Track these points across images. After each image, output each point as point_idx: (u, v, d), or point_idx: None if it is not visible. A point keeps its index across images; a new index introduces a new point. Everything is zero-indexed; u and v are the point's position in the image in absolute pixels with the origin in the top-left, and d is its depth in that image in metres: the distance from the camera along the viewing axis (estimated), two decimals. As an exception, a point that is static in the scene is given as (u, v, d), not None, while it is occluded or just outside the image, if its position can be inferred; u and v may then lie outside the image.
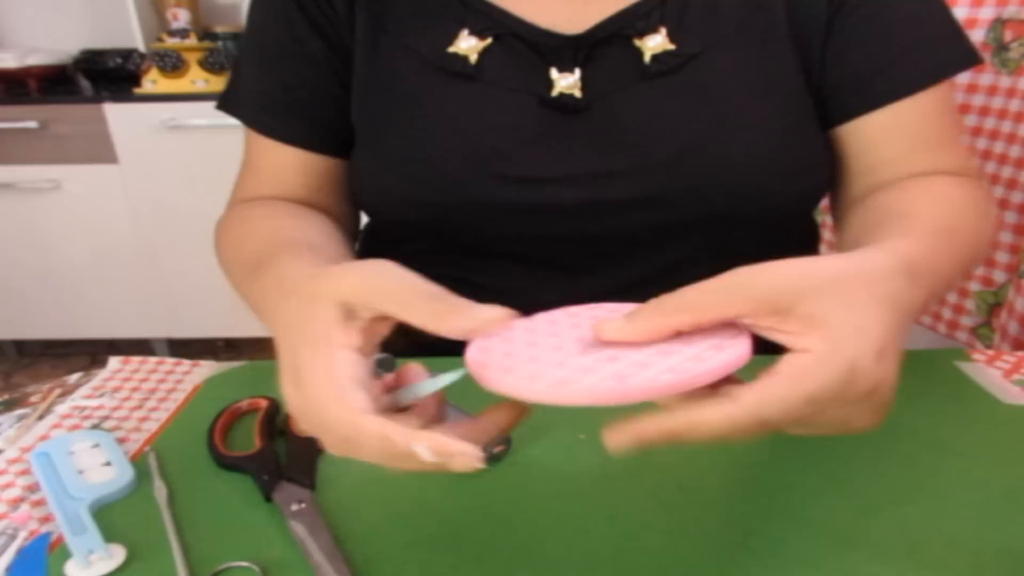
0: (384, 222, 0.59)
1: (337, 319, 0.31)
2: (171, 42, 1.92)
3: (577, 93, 0.52)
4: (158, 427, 0.49)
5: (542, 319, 0.35)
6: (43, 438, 0.47)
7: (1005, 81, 0.80)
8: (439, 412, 0.33)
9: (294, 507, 0.39)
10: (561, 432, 0.46)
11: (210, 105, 2.04)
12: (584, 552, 0.37)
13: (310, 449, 0.44)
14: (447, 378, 0.32)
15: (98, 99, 1.87)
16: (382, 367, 0.33)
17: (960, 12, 0.82)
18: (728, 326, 0.31)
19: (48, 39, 2.25)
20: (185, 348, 2.31)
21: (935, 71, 0.53)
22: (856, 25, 0.53)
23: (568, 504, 0.40)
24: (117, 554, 0.37)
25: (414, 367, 0.34)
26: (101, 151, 1.92)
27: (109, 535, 0.38)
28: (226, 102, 0.61)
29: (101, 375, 0.55)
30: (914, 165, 0.54)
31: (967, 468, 0.42)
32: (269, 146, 0.59)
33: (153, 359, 0.57)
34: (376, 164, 0.56)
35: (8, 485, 0.43)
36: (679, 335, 0.31)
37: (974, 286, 0.87)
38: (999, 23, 0.80)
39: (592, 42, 0.52)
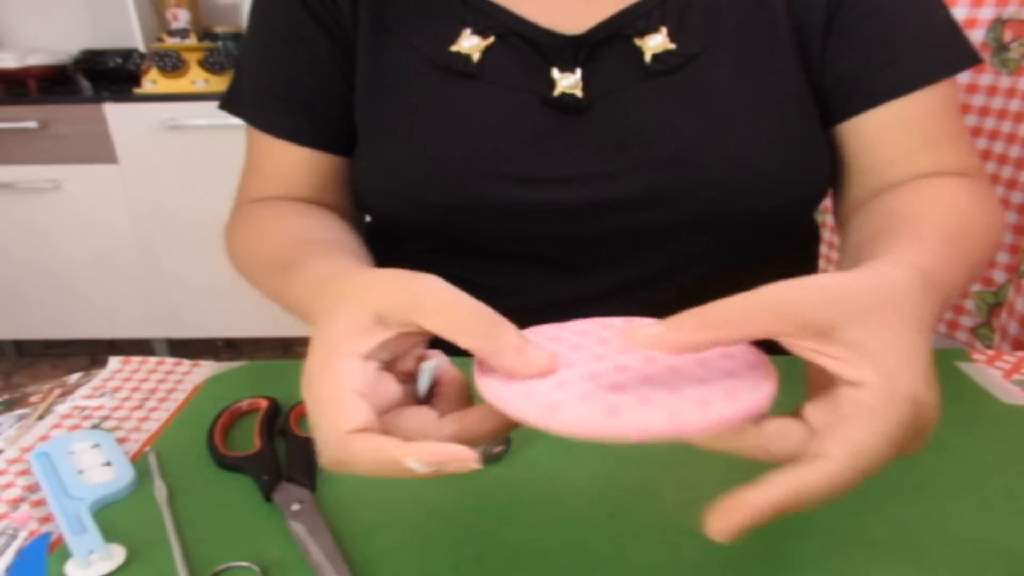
0: (386, 221, 0.59)
1: (357, 325, 0.31)
2: (171, 42, 1.92)
3: (578, 93, 0.53)
4: (158, 427, 0.49)
5: (573, 328, 0.34)
6: (43, 438, 0.47)
7: (1005, 81, 0.80)
8: (461, 397, 0.33)
9: (294, 507, 0.39)
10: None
11: (210, 105, 2.05)
12: (584, 552, 0.37)
13: (310, 449, 0.44)
14: (427, 370, 0.32)
15: (98, 99, 1.88)
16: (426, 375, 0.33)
17: (960, 12, 0.82)
18: (754, 357, 0.30)
19: (48, 39, 2.25)
20: (185, 348, 2.31)
21: (936, 69, 0.53)
22: (856, 22, 0.53)
23: (568, 504, 0.40)
24: (117, 554, 0.37)
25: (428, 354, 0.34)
26: (101, 151, 1.92)
27: (109, 535, 0.38)
28: (229, 102, 0.61)
29: (101, 375, 0.55)
30: (917, 164, 0.53)
31: (967, 468, 0.42)
32: (273, 145, 0.59)
33: (153, 359, 0.57)
34: (378, 163, 0.56)
35: (8, 485, 0.43)
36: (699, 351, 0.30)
37: (974, 286, 0.87)
38: (999, 23, 0.80)
39: (593, 42, 0.52)
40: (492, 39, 0.53)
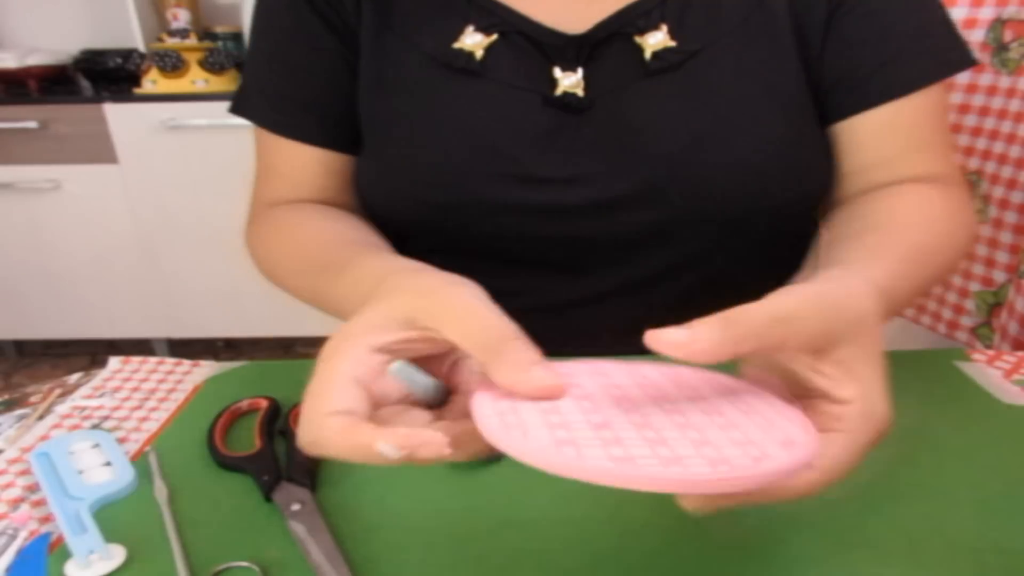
0: (387, 221, 0.59)
1: (376, 320, 0.32)
2: (171, 42, 1.92)
3: (580, 92, 0.53)
4: (158, 427, 0.49)
5: (587, 369, 0.33)
6: (43, 438, 0.47)
7: (1005, 81, 0.80)
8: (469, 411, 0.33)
9: (294, 507, 0.39)
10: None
11: (210, 105, 2.05)
12: (584, 552, 0.37)
13: (310, 449, 0.44)
14: (392, 371, 0.31)
15: (98, 99, 1.88)
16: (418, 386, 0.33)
17: (960, 12, 0.82)
18: (782, 402, 0.30)
19: (48, 39, 2.25)
20: (185, 348, 2.31)
21: (931, 72, 0.53)
22: (854, 23, 0.53)
23: (568, 504, 0.40)
24: (117, 554, 0.37)
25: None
26: (101, 151, 1.92)
27: (109, 535, 0.38)
28: (238, 105, 0.61)
29: (101, 375, 0.55)
30: (903, 169, 0.54)
31: (967, 468, 0.42)
32: (285, 146, 0.59)
33: (153, 359, 0.57)
34: (379, 161, 0.56)
35: (8, 485, 0.43)
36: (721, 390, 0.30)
37: (974, 286, 0.87)
38: (999, 23, 0.80)
39: (594, 41, 0.53)
40: (495, 37, 0.53)
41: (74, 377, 0.56)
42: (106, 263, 2.06)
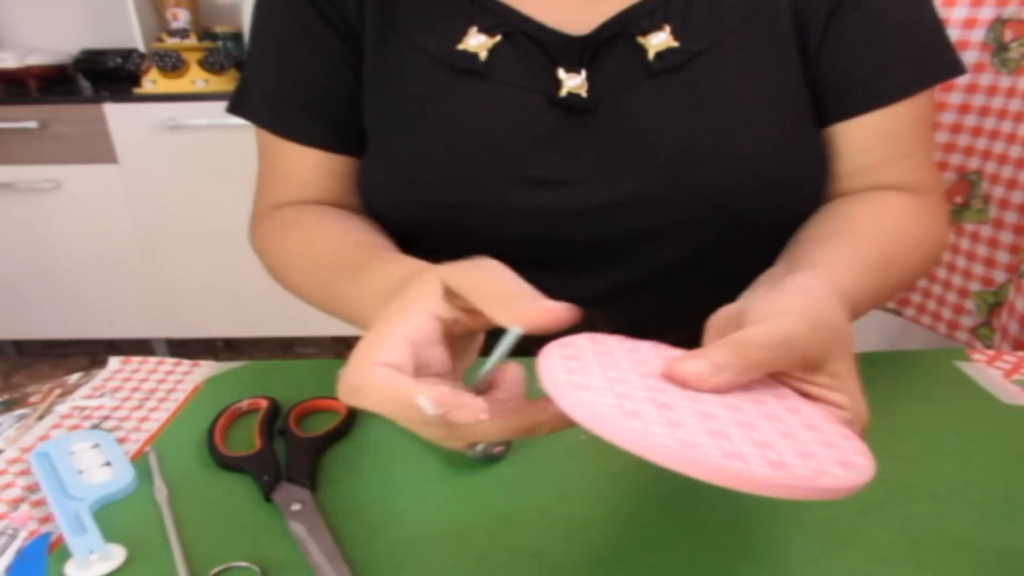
0: (392, 222, 0.59)
1: (429, 289, 0.33)
2: (171, 42, 1.92)
3: (583, 93, 0.53)
4: (158, 427, 0.49)
5: (651, 347, 0.34)
6: (43, 438, 0.47)
7: (1005, 81, 0.80)
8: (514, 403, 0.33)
9: (294, 507, 0.39)
10: (561, 432, 0.46)
11: (210, 105, 2.05)
12: (584, 552, 0.37)
13: (310, 449, 0.44)
14: (504, 345, 0.31)
15: (98, 99, 1.87)
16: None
17: (960, 12, 0.82)
18: (835, 420, 0.31)
19: (48, 39, 2.25)
20: (185, 348, 2.31)
21: (917, 81, 0.54)
22: (848, 28, 0.53)
23: (568, 504, 0.40)
24: (117, 554, 0.37)
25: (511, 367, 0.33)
26: (101, 151, 1.92)
27: (109, 535, 0.38)
28: (237, 105, 0.61)
29: (101, 375, 0.55)
30: (885, 176, 0.55)
31: (967, 468, 0.42)
32: (286, 148, 0.59)
33: (153, 359, 0.57)
34: (384, 164, 0.56)
35: (8, 485, 0.43)
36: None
37: (974, 286, 0.87)
38: (999, 23, 0.80)
39: (598, 42, 0.52)
40: (499, 38, 0.53)
41: (74, 377, 0.56)
42: (106, 263, 2.06)
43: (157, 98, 1.88)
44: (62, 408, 0.51)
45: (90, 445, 0.45)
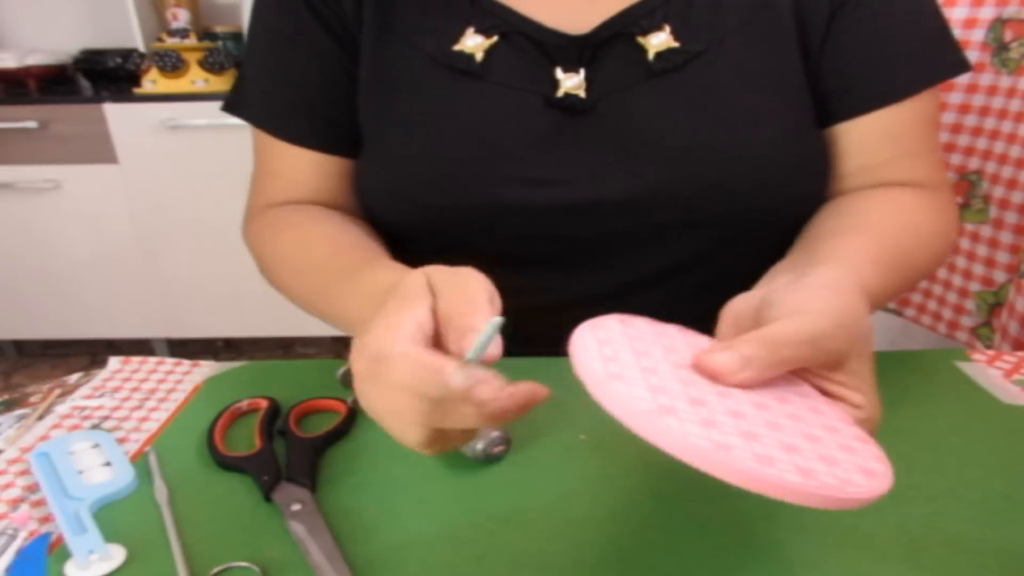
0: (386, 223, 0.59)
1: (426, 285, 0.34)
2: (171, 42, 1.92)
3: (581, 93, 0.52)
4: (158, 427, 0.49)
5: (678, 332, 0.34)
6: (43, 438, 0.47)
7: (1005, 81, 0.80)
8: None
9: (294, 507, 0.39)
10: (561, 432, 0.46)
11: (210, 105, 2.05)
12: (584, 552, 0.37)
13: (310, 449, 0.44)
14: (488, 330, 0.31)
15: (98, 99, 1.87)
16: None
17: (960, 12, 0.82)
18: (852, 423, 0.31)
19: (48, 39, 2.25)
20: (185, 348, 2.31)
21: (923, 79, 0.54)
22: (851, 27, 0.53)
23: (568, 504, 0.40)
24: (117, 554, 0.37)
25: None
26: (101, 151, 1.92)
27: (109, 535, 0.38)
28: (233, 104, 0.61)
29: (101, 375, 0.55)
30: (891, 174, 0.55)
31: (967, 468, 0.42)
32: (280, 148, 0.59)
33: (153, 359, 0.57)
34: (381, 164, 0.56)
35: (8, 485, 0.43)
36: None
37: (974, 286, 0.87)
38: (999, 23, 0.80)
39: (597, 42, 0.52)
40: (496, 38, 0.53)
41: (74, 377, 0.56)
42: (106, 263, 2.06)
43: (157, 98, 1.88)
44: (62, 408, 0.51)
45: (90, 445, 0.45)
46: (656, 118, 0.52)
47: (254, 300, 2.03)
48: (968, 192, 0.85)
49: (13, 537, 0.38)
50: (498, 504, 0.40)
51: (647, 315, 0.36)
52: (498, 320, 0.30)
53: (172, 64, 1.88)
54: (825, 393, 0.33)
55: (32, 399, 0.53)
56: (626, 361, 0.29)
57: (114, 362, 0.57)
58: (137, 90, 1.91)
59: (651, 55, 0.52)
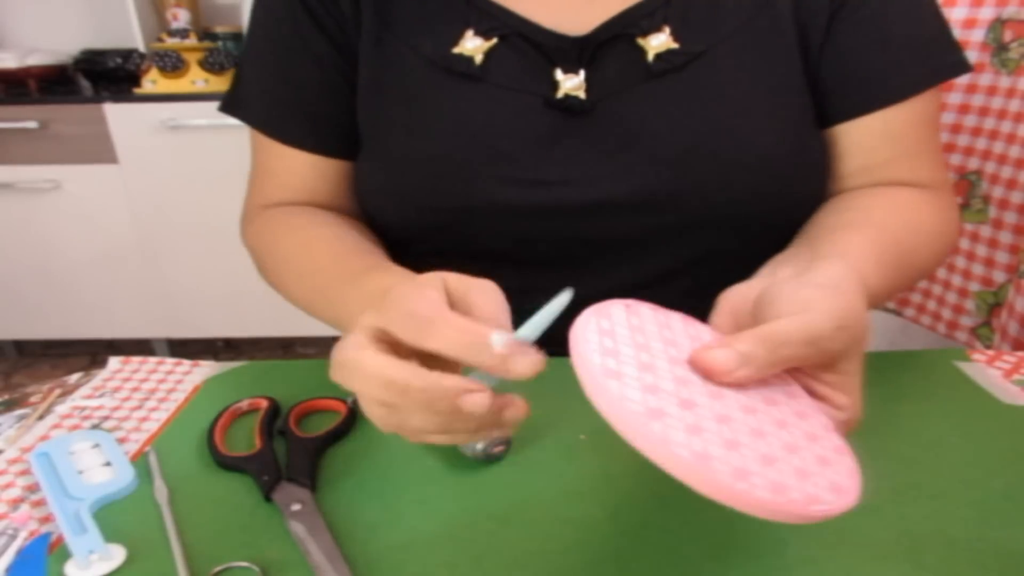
0: (387, 225, 0.59)
1: (441, 284, 0.34)
2: (171, 42, 1.92)
3: (581, 94, 0.52)
4: (158, 427, 0.49)
5: (681, 321, 0.34)
6: (43, 438, 0.47)
7: (1005, 81, 0.80)
8: None
9: (294, 507, 0.39)
10: (561, 432, 0.46)
11: (210, 105, 2.05)
12: (584, 552, 0.37)
13: (310, 449, 0.44)
14: (554, 308, 0.31)
15: (98, 99, 1.87)
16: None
17: (960, 12, 0.82)
18: (834, 429, 0.31)
19: (48, 39, 2.25)
20: (185, 348, 2.31)
21: (924, 79, 0.54)
22: (851, 28, 0.53)
23: (568, 504, 0.40)
24: (117, 554, 0.37)
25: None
26: (101, 151, 1.92)
27: (109, 535, 0.38)
28: (231, 104, 0.61)
29: (101, 375, 0.55)
30: (892, 174, 0.55)
31: (967, 468, 0.42)
32: (278, 149, 0.59)
33: (153, 359, 0.57)
34: (381, 166, 0.56)
35: (8, 485, 0.43)
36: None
37: (974, 286, 0.87)
38: (999, 23, 0.80)
39: (596, 43, 0.52)
40: (495, 40, 0.53)
41: (74, 377, 0.56)
42: (106, 263, 2.06)
43: (157, 98, 1.88)
44: (62, 408, 0.51)
45: (90, 445, 0.45)
46: (656, 119, 0.52)
47: (254, 300, 2.03)
48: (967, 192, 0.85)
49: (13, 537, 0.38)
50: (498, 504, 0.40)
51: None
52: (568, 294, 0.30)
53: (172, 64, 1.88)
54: (811, 392, 0.32)
55: (32, 399, 0.53)
56: (625, 356, 0.29)
57: (114, 362, 0.57)
58: (137, 90, 1.91)
59: (651, 56, 0.52)
